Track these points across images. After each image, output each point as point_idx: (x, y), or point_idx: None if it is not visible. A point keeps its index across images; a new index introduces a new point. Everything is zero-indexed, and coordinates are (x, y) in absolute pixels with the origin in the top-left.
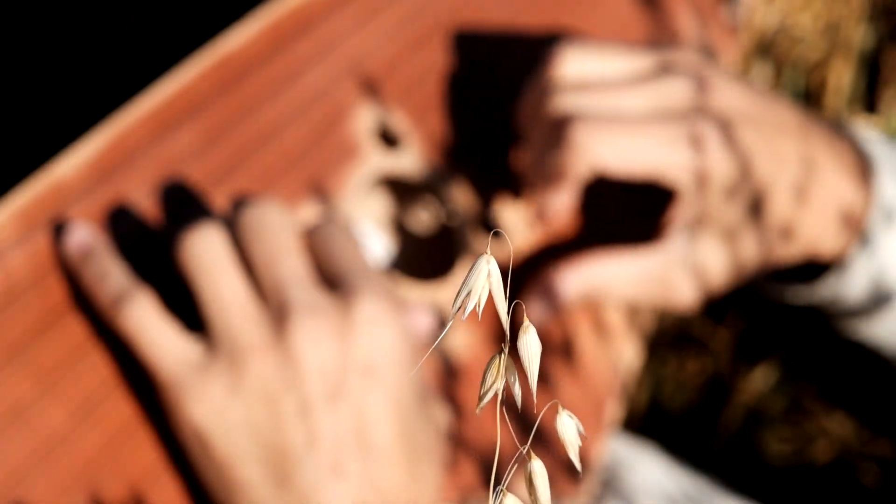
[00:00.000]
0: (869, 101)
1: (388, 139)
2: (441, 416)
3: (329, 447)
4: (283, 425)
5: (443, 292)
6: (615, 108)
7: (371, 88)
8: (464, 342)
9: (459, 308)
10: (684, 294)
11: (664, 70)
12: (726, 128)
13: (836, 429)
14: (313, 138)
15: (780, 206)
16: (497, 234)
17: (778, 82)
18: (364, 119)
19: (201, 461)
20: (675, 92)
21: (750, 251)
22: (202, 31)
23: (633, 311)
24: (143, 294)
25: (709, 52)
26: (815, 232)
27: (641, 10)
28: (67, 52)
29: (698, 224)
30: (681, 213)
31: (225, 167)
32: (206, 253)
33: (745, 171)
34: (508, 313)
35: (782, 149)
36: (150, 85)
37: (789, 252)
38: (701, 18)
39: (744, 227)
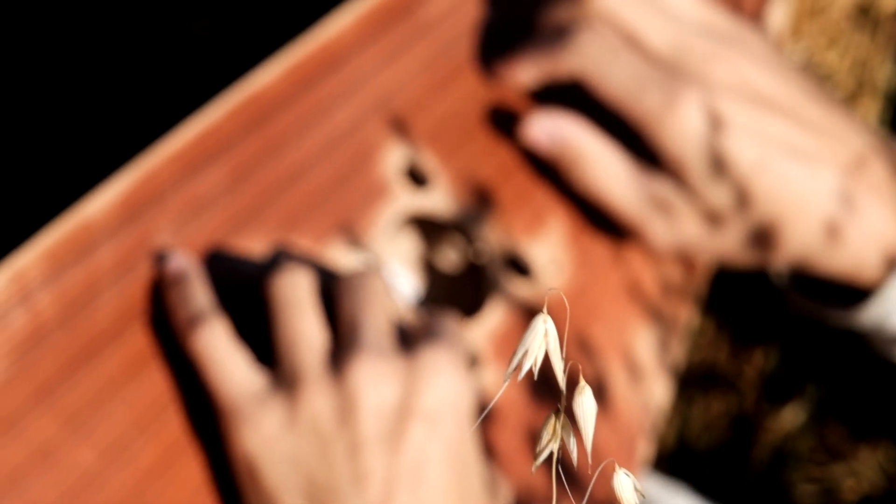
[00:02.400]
0: None
1: (417, 178)
2: (504, 491)
3: (378, 487)
4: (332, 461)
5: (472, 332)
6: (635, 33)
7: (399, 127)
8: (492, 380)
9: (516, 367)
10: (657, 235)
11: (703, 27)
12: (715, 98)
13: (864, 469)
14: (341, 178)
15: (774, 208)
16: (527, 275)
17: None
18: (392, 158)
19: (249, 489)
20: (695, 48)
21: (733, 241)
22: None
23: (664, 348)
24: (219, 320)
25: None
26: (814, 249)
27: None
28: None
29: (683, 182)
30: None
31: (252, 207)
32: (292, 291)
33: (725, 153)
34: (565, 372)
35: (802, 150)
36: (182, 121)
37: (780, 260)
38: None
39: (727, 214)
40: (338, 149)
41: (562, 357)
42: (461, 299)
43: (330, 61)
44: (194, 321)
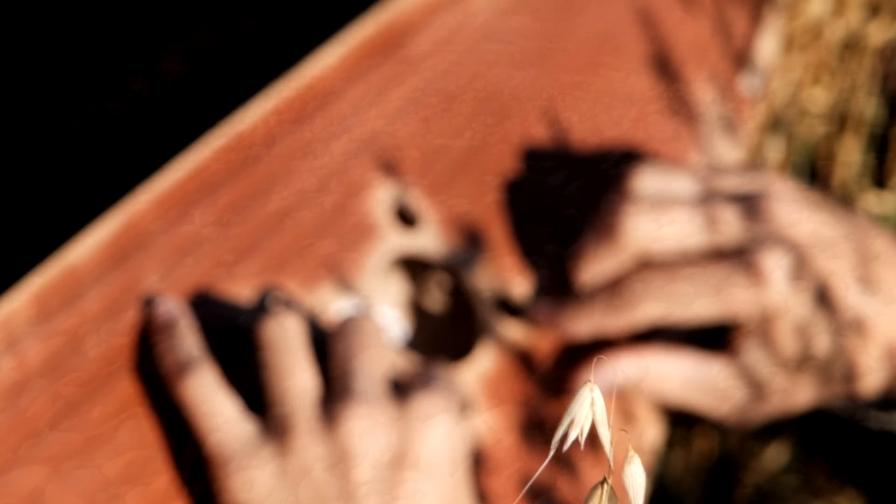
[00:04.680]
0: (879, 176)
1: (406, 218)
2: None
3: None
4: None
5: (462, 374)
6: (677, 244)
7: (386, 166)
8: (486, 423)
9: (563, 438)
10: (732, 410)
11: (712, 199)
12: (784, 253)
13: None
14: (329, 218)
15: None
16: (518, 316)
17: (788, 156)
18: (380, 198)
19: None
20: (732, 220)
21: (813, 387)
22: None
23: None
24: (209, 367)
25: (728, 124)
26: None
27: (658, 80)
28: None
29: (769, 347)
30: (748, 340)
31: (240, 249)
32: (282, 337)
33: (819, 302)
34: (612, 443)
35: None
36: (166, 162)
37: (865, 388)
38: (719, 89)
39: (816, 362)
40: (325, 189)
41: (609, 426)
42: (451, 341)
43: (317, 100)
44: (183, 368)
